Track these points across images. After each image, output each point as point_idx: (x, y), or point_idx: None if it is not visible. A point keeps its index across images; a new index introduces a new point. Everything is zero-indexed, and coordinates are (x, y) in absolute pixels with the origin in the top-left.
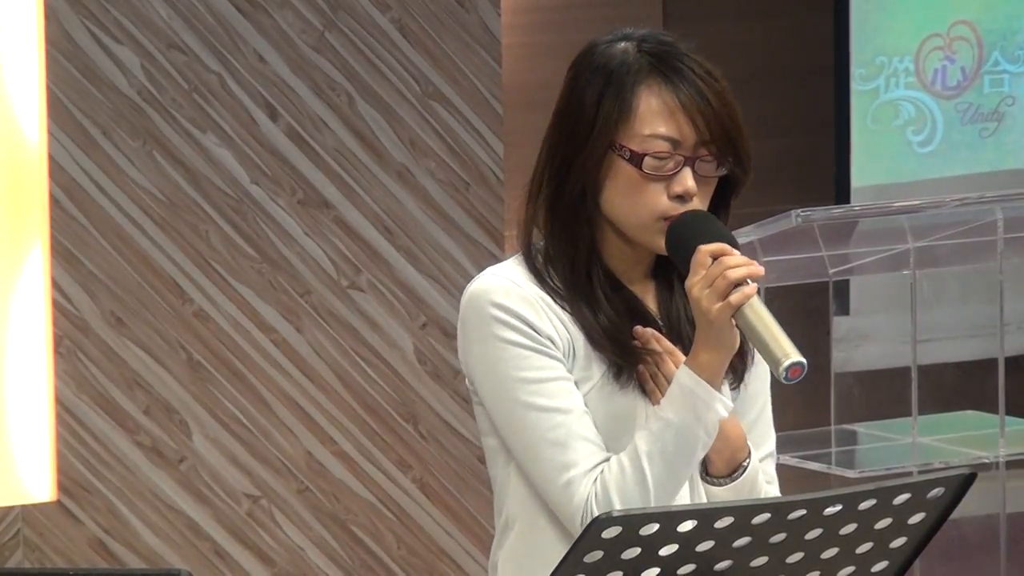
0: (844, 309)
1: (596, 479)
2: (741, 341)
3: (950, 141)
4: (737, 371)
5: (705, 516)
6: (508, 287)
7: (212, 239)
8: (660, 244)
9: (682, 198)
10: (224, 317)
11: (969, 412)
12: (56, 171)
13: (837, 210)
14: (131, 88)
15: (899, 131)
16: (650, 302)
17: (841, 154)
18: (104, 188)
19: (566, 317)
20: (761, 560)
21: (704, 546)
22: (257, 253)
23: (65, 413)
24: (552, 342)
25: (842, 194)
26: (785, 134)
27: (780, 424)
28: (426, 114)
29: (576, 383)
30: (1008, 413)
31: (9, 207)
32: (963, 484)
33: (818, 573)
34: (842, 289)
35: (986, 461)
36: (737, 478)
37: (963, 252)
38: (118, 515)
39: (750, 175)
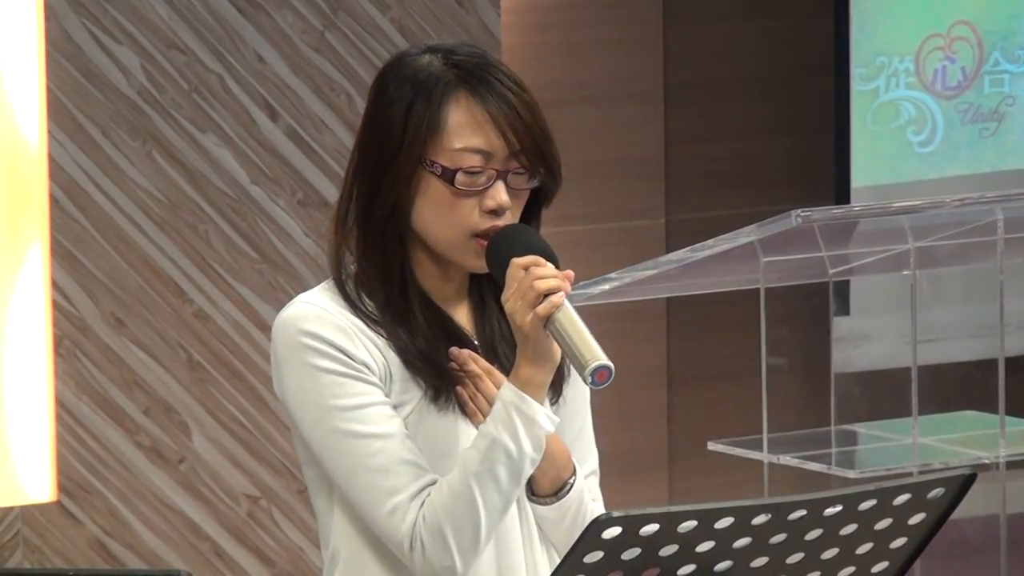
0: (844, 309)
1: (423, 503)
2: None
3: (950, 141)
4: (555, 385)
5: (705, 516)
6: (318, 314)
7: (212, 239)
8: (473, 263)
9: (495, 212)
10: (224, 317)
11: (969, 412)
12: (56, 171)
13: (837, 210)
14: (131, 88)
15: (899, 131)
16: (464, 321)
17: (841, 154)
18: (104, 188)
19: (381, 342)
20: (761, 561)
21: (704, 546)
22: (257, 253)
23: (65, 413)
24: (367, 367)
25: (842, 194)
26: (785, 134)
27: (780, 424)
28: None
29: (395, 407)
30: (1008, 413)
31: (9, 207)
32: (963, 484)
33: (818, 574)
34: (842, 289)
35: (986, 461)
36: (563, 496)
37: (963, 252)
38: (118, 515)
39: (560, 184)
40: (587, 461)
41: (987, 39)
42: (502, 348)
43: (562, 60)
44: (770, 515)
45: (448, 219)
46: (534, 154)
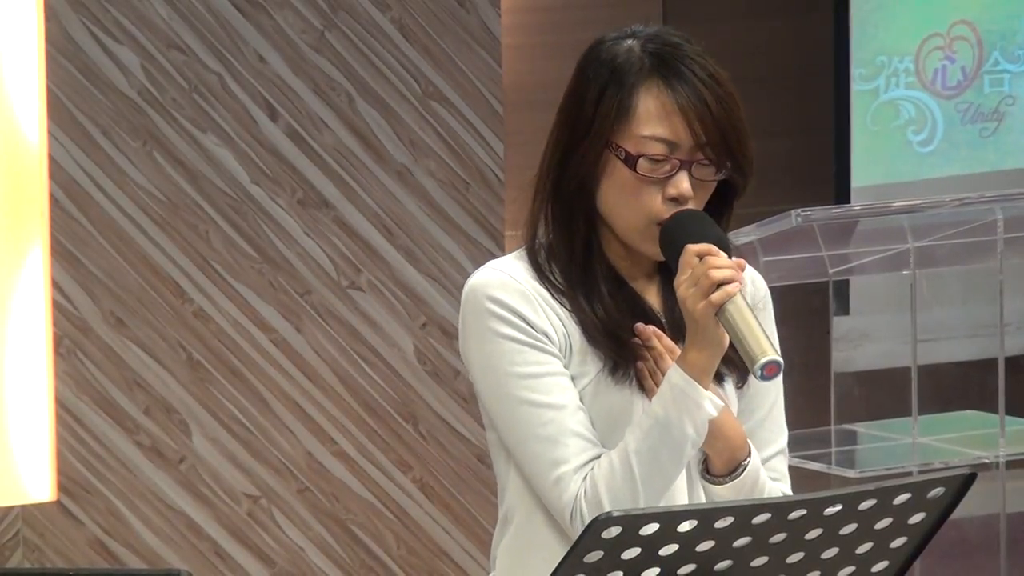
0: (844, 309)
1: (586, 476)
2: None
3: (950, 141)
4: (740, 370)
5: (705, 516)
6: (505, 281)
7: (212, 239)
8: (651, 249)
9: (676, 201)
10: (224, 317)
11: (969, 412)
12: (56, 171)
13: (837, 210)
14: (131, 88)
15: (899, 131)
16: (653, 299)
17: (841, 154)
18: (104, 188)
19: (564, 312)
20: (761, 560)
21: (704, 546)
22: (257, 253)
23: (65, 413)
24: (547, 337)
25: (842, 194)
26: (785, 134)
27: None
28: (426, 114)
29: (573, 378)
30: (1008, 413)
31: (9, 207)
32: (963, 484)
33: (818, 573)
34: (842, 289)
35: (986, 461)
36: (736, 477)
37: (963, 252)
38: (118, 515)
39: (750, 179)
40: (776, 441)
41: (987, 39)
42: None
43: (562, 60)
44: (770, 515)
45: (631, 203)
46: (720, 148)
